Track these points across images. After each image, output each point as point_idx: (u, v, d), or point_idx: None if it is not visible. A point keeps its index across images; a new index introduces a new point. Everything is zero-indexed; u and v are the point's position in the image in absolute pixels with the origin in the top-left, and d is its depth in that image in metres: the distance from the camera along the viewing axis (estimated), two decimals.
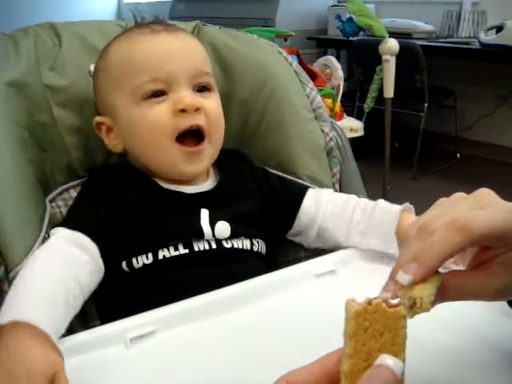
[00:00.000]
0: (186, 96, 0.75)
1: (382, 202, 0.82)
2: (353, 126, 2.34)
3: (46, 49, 0.86)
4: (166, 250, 0.75)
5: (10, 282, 0.70)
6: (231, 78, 0.95)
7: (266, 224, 0.85)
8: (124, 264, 0.75)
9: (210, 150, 0.79)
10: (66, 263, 0.65)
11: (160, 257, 0.74)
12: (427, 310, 0.40)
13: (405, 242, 0.45)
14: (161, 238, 0.75)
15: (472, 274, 0.46)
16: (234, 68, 0.94)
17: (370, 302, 0.38)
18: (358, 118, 2.55)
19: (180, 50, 0.78)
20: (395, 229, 0.75)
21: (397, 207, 0.79)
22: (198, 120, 0.76)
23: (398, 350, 0.37)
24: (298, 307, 0.68)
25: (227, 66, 0.95)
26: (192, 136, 0.77)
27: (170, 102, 0.75)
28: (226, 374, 0.55)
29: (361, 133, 2.36)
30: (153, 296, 0.71)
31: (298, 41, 3.49)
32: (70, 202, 0.85)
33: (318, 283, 0.74)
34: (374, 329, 0.37)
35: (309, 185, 0.90)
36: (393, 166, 2.49)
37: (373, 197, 0.87)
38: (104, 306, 0.77)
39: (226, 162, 0.86)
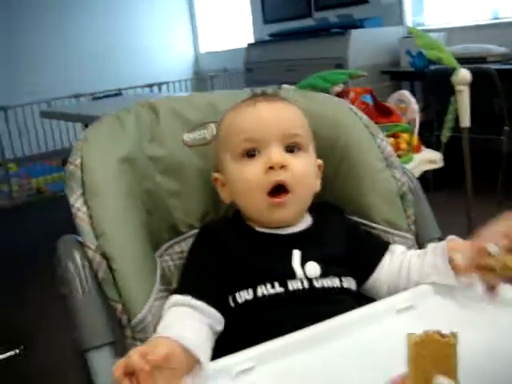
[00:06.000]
0: (275, 154, 0.88)
1: (430, 245, 0.90)
2: (432, 158, 2.32)
3: (145, 124, 1.00)
4: (263, 286, 0.85)
5: (132, 330, 0.83)
6: None
7: (353, 265, 0.92)
8: (230, 299, 0.86)
9: (294, 202, 0.90)
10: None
11: (259, 294, 0.85)
12: None
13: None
14: (258, 278, 0.86)
15: None
16: (311, 125, 1.00)
17: (426, 334, 0.46)
18: (437, 146, 2.53)
19: (273, 117, 0.92)
20: (448, 260, 0.82)
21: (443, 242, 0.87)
22: (283, 176, 0.88)
23: (451, 374, 0.44)
24: (381, 341, 0.75)
25: None
26: (282, 189, 0.89)
27: (262, 160, 0.89)
28: None
29: (440, 164, 2.33)
30: (255, 332, 0.80)
31: (372, 75, 3.55)
32: (175, 257, 0.99)
33: (399, 318, 0.80)
34: (431, 356, 0.44)
35: (389, 242, 0.99)
36: (476, 192, 2.41)
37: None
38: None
39: (321, 211, 0.97)
